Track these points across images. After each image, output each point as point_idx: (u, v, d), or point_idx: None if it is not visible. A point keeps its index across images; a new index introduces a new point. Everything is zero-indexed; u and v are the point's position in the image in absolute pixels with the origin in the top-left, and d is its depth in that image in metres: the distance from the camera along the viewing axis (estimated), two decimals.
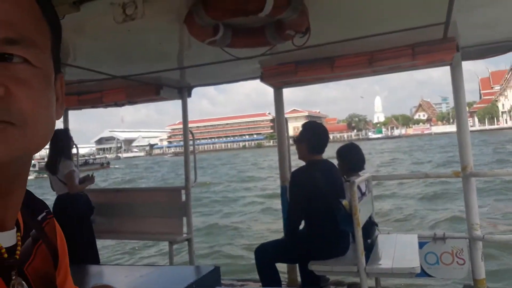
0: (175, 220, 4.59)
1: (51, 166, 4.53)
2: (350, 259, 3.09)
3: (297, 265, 3.71)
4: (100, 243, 5.02)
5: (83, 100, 4.46)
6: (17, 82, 0.48)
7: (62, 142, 4.57)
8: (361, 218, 2.90)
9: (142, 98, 4.29)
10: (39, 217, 0.65)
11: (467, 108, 3.40)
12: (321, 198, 3.14)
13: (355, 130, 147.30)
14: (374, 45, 3.07)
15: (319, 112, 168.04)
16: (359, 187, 3.39)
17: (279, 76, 3.53)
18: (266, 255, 3.35)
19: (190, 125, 4.67)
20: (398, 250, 3.24)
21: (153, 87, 4.10)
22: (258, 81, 3.74)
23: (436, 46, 2.99)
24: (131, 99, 4.35)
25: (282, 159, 4.23)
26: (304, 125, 3.44)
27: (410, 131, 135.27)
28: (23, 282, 0.54)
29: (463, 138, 3.39)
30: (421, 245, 3.51)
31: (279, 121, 4.18)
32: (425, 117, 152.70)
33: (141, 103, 4.64)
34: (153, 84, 4.09)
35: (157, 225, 4.66)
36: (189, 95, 4.46)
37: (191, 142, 4.59)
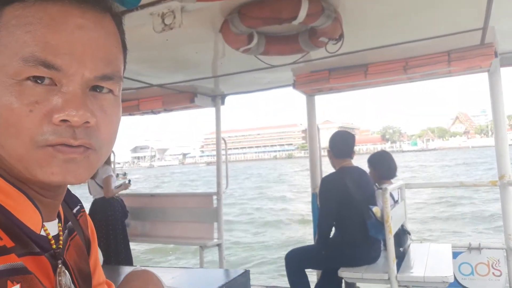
0: (206, 225, 4.68)
1: None
2: (381, 266, 3.06)
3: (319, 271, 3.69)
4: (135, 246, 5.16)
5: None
6: (101, 111, 0.55)
7: None
8: (393, 226, 2.88)
9: (177, 106, 4.40)
10: (74, 210, 0.71)
11: (505, 116, 3.31)
12: (351, 204, 3.13)
13: (389, 142, 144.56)
14: (408, 51, 3.05)
15: (352, 123, 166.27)
16: (391, 195, 3.36)
17: (312, 83, 3.56)
18: (296, 260, 3.37)
19: (222, 134, 4.75)
20: (431, 259, 3.18)
21: (188, 95, 4.21)
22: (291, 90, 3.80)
23: (473, 52, 2.95)
24: (167, 107, 4.47)
25: (313, 166, 4.25)
26: (331, 135, 3.47)
27: (447, 143, 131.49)
28: (66, 271, 0.59)
29: (501, 146, 3.31)
30: (455, 255, 3.43)
31: (311, 129, 4.20)
32: (463, 130, 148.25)
33: (177, 111, 4.76)
34: (188, 92, 4.20)
35: (189, 230, 4.76)
36: (223, 103, 4.55)
37: (223, 150, 4.68)
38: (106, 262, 3.25)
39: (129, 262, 4.71)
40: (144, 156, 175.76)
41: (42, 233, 0.57)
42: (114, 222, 4.74)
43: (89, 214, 4.71)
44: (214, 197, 4.68)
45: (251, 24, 2.06)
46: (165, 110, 4.55)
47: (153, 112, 4.60)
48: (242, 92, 4.44)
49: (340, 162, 3.32)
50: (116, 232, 4.71)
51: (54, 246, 0.59)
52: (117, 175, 5.12)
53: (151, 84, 3.88)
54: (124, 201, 4.97)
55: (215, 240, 4.63)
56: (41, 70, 0.50)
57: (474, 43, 2.91)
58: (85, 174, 0.54)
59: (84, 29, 0.53)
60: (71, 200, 0.71)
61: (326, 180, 3.35)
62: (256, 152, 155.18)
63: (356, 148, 3.60)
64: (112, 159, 5.30)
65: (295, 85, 3.63)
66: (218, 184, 4.62)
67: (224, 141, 4.65)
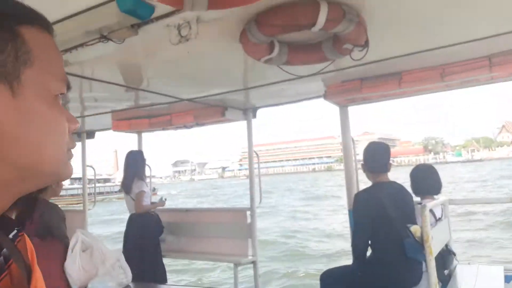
0: (241, 241, 4.57)
1: (126, 185, 4.77)
2: None
3: None
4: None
5: (154, 123, 4.67)
6: None
7: (136, 163, 4.80)
8: (435, 246, 2.65)
9: (208, 120, 4.38)
10: (11, 235, 0.64)
11: None
12: (387, 222, 2.93)
13: (432, 153, 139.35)
14: (445, 57, 2.84)
15: (392, 134, 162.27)
16: (432, 212, 3.12)
17: (344, 93, 3.41)
18: (332, 281, 3.19)
19: (258, 147, 4.70)
20: (479, 283, 2.90)
21: (218, 109, 4.17)
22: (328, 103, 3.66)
23: None
24: (199, 121, 4.47)
25: (349, 181, 4.04)
26: (364, 148, 3.29)
27: (493, 154, 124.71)
28: None
29: None
30: (508, 278, 3.11)
31: (346, 141, 4.02)
32: (510, 139, 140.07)
33: (208, 125, 4.74)
34: (218, 106, 4.16)
35: (223, 246, 4.67)
36: (254, 116, 4.47)
37: (256, 164, 4.59)
38: (141, 279, 3.20)
39: (163, 279, 4.67)
40: (185, 170, 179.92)
41: None
42: (149, 238, 4.74)
43: (126, 229, 4.79)
44: (248, 212, 4.58)
45: (269, 32, 1.96)
46: (197, 124, 4.54)
47: (185, 127, 4.61)
48: (272, 104, 4.35)
49: (375, 176, 3.13)
50: (150, 248, 4.69)
51: None
52: (154, 189, 5.12)
53: (181, 98, 3.87)
54: (159, 216, 4.97)
55: (250, 257, 4.51)
56: (65, 87, 0.61)
57: None
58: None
59: None
60: (5, 225, 0.64)
61: (359, 196, 3.16)
62: (294, 165, 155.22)
63: (397, 159, 3.40)
64: (148, 174, 5.33)
65: (326, 96, 3.50)
66: (252, 199, 4.52)
67: (257, 154, 4.56)
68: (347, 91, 3.34)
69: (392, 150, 3.28)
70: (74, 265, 2.42)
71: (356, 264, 3.15)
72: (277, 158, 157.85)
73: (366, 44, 2.13)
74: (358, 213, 3.10)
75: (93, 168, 6.18)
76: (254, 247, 4.52)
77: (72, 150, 0.64)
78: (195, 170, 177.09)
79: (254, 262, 4.50)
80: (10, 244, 0.61)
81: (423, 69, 2.95)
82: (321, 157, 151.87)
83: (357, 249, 3.07)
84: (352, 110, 3.93)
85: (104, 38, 1.98)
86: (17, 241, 0.64)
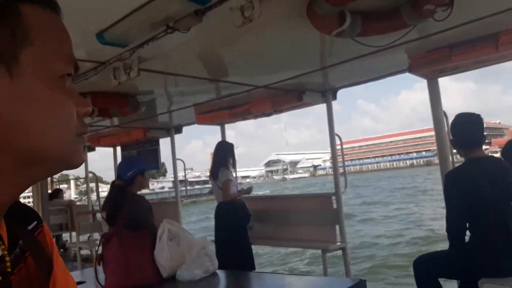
0: (328, 228, 4.45)
1: (213, 173, 4.89)
2: None
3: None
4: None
5: (234, 113, 4.70)
6: None
7: (225, 153, 4.89)
8: None
9: (286, 105, 4.30)
10: (30, 227, 0.61)
11: None
12: (484, 201, 2.60)
13: None
14: None
15: (499, 122, 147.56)
16: None
17: (431, 64, 3.09)
18: (427, 268, 2.94)
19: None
20: None
21: (295, 93, 4.07)
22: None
23: None
24: (277, 108, 4.40)
25: (442, 159, 3.71)
26: (452, 120, 2.95)
27: None
28: None
29: None
30: None
31: (436, 116, 3.67)
32: None
33: (286, 111, 4.65)
34: (295, 90, 4.06)
35: (310, 233, 4.60)
36: (334, 98, 4.28)
37: (338, 146, 4.42)
38: (228, 267, 3.24)
39: (251, 266, 4.71)
40: (277, 170, 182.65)
41: None
42: (237, 226, 4.81)
43: (215, 218, 4.92)
44: (333, 197, 4.44)
45: (336, 1, 1.82)
46: (275, 111, 4.49)
47: (264, 115, 4.58)
48: (353, 83, 4.10)
49: (467, 152, 2.80)
50: (238, 235, 4.76)
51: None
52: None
53: (258, 85, 3.84)
54: (245, 204, 5.02)
55: (338, 244, 4.37)
56: (72, 68, 0.56)
57: None
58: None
59: None
60: (24, 216, 0.61)
61: (449, 175, 2.85)
62: (390, 161, 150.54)
63: None
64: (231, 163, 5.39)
65: (411, 68, 3.21)
66: (336, 184, 4.36)
67: (339, 137, 4.37)
68: (434, 61, 3.03)
69: (500, 139, 2.85)
70: (162, 254, 2.50)
71: (452, 249, 2.87)
72: (372, 155, 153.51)
73: (451, 3, 1.88)
74: (449, 194, 2.80)
75: (183, 162, 6.44)
76: (343, 233, 4.37)
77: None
78: (287, 169, 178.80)
79: (343, 249, 4.35)
80: (28, 236, 0.59)
81: None
82: (420, 151, 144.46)
83: (452, 233, 2.78)
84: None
85: (170, 28, 1.98)
86: (37, 233, 0.62)
